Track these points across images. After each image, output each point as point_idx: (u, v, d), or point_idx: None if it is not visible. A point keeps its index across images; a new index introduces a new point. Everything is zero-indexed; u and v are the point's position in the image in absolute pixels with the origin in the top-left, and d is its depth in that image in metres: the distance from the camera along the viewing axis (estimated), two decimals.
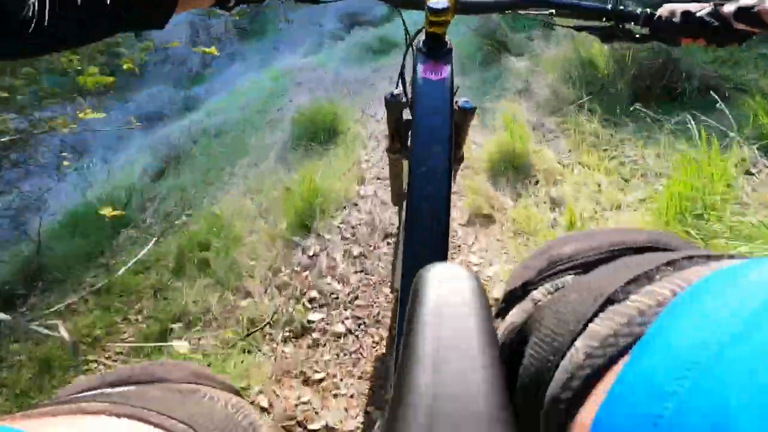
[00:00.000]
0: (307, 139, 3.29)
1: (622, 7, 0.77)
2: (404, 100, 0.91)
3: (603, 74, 2.82)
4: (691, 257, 0.27)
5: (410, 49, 0.86)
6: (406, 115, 0.91)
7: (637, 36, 0.78)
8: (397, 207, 1.72)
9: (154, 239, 2.95)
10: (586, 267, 0.34)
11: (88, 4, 0.43)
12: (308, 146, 3.25)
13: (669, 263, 0.27)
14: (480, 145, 2.70)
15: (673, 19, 0.72)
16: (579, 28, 0.81)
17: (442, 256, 0.61)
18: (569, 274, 0.34)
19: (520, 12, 0.81)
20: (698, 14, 0.69)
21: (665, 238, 0.35)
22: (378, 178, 2.69)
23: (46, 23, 0.39)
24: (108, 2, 0.43)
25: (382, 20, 8.66)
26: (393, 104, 0.93)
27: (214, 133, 4.64)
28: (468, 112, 0.92)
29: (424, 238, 0.62)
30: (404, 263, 0.62)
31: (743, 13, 0.64)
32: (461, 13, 0.79)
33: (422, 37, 0.82)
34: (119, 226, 3.48)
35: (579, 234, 0.39)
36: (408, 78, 0.89)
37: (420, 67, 0.77)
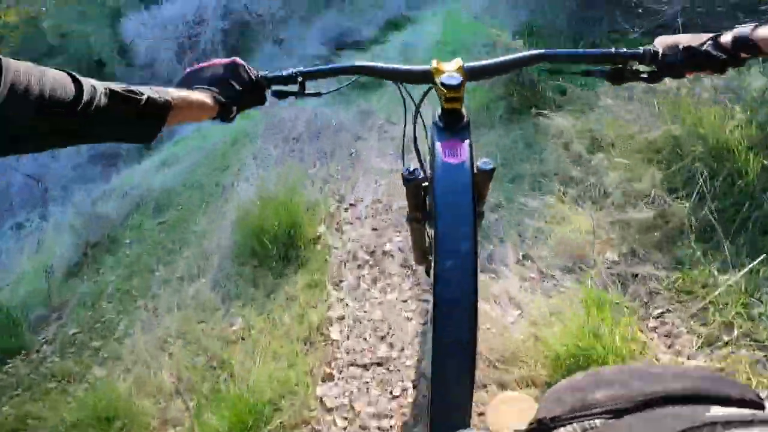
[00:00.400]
0: (252, 257, 2.20)
1: (625, 49, 0.80)
2: (422, 175, 0.92)
3: (741, 171, 1.58)
4: (729, 423, 0.27)
5: (417, 116, 0.90)
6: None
7: (644, 75, 0.81)
8: (421, 267, 1.58)
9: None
10: (618, 413, 0.35)
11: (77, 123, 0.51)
12: (254, 271, 2.16)
13: (703, 425, 0.27)
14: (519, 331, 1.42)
15: (679, 56, 0.76)
16: (587, 73, 0.83)
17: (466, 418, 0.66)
18: (600, 418, 0.36)
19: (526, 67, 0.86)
20: (703, 48, 0.73)
21: (711, 385, 0.35)
22: (360, 366, 1.54)
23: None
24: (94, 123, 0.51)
25: (370, 43, 7.60)
26: (412, 183, 0.93)
27: (154, 206, 3.55)
28: (488, 173, 0.90)
29: (450, 400, 0.66)
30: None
31: (741, 42, 0.70)
32: (471, 80, 0.79)
33: (435, 109, 0.83)
34: (5, 352, 2.51)
35: (617, 372, 0.41)
36: (419, 145, 0.94)
37: (438, 147, 0.77)
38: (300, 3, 13.05)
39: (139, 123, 0.56)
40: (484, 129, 2.73)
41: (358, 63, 0.84)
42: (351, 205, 2.50)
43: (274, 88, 0.81)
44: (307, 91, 0.82)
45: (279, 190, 2.43)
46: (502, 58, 0.82)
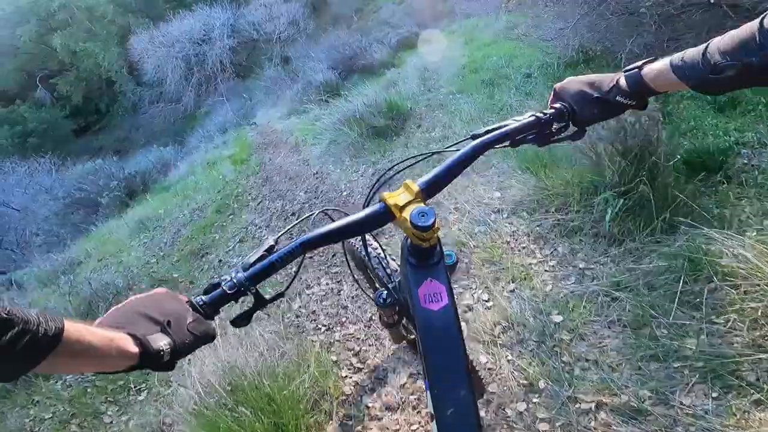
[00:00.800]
0: None
1: (541, 114, 0.82)
2: (392, 299, 0.95)
3: None
4: None
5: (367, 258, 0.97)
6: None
7: (569, 133, 0.85)
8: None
9: None
10: None
11: None
12: None
13: None
14: None
15: (594, 111, 0.81)
16: (515, 144, 0.83)
17: None
18: None
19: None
20: (611, 99, 0.78)
21: None
22: None
23: None
24: None
25: (381, 66, 7.31)
26: (387, 307, 0.95)
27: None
28: (451, 268, 0.92)
29: None
30: None
31: (637, 86, 0.74)
32: (430, 197, 0.76)
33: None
34: None
35: None
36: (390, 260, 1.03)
37: (417, 293, 0.72)
38: (306, 22, 12.94)
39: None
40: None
41: (304, 238, 0.69)
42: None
43: (228, 316, 0.68)
44: (264, 297, 0.68)
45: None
46: (448, 163, 0.77)
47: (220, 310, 0.64)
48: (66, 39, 17.09)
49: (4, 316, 0.42)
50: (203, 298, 0.63)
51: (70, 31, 17.12)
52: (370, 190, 0.88)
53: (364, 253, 0.98)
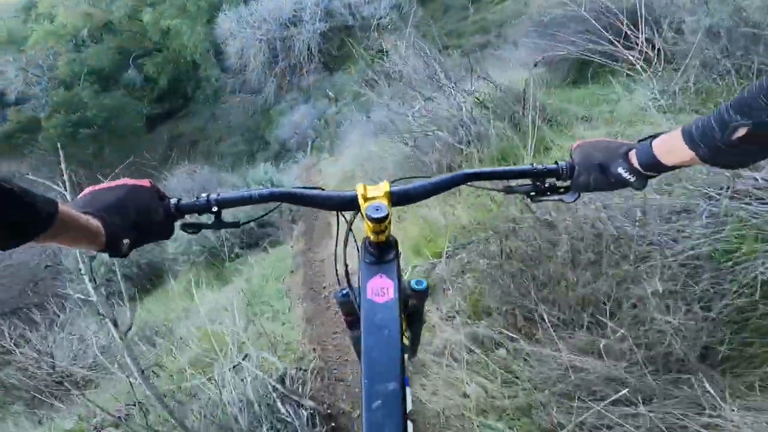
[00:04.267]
0: None
1: (542, 166, 0.81)
2: (354, 297, 0.93)
3: None
4: None
5: (346, 242, 0.88)
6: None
7: (562, 191, 0.81)
8: None
9: None
10: None
11: None
12: None
13: None
14: None
15: (591, 178, 0.75)
16: (508, 191, 0.84)
17: None
18: None
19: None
20: (614, 171, 0.72)
21: None
22: None
23: None
24: None
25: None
26: (346, 304, 0.96)
27: None
28: (422, 293, 0.94)
29: None
30: None
31: (648, 163, 0.69)
32: (398, 206, 0.79)
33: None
34: None
35: None
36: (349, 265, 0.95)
37: (366, 285, 0.75)
38: (412, 8, 10.74)
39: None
40: None
41: (277, 190, 0.80)
42: None
43: (186, 220, 0.77)
44: (222, 220, 0.77)
45: None
46: (433, 180, 0.81)
47: (186, 216, 0.74)
48: (156, 15, 16.31)
49: (12, 184, 0.46)
50: (176, 201, 0.73)
51: (162, 7, 16.33)
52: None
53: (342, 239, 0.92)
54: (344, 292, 0.95)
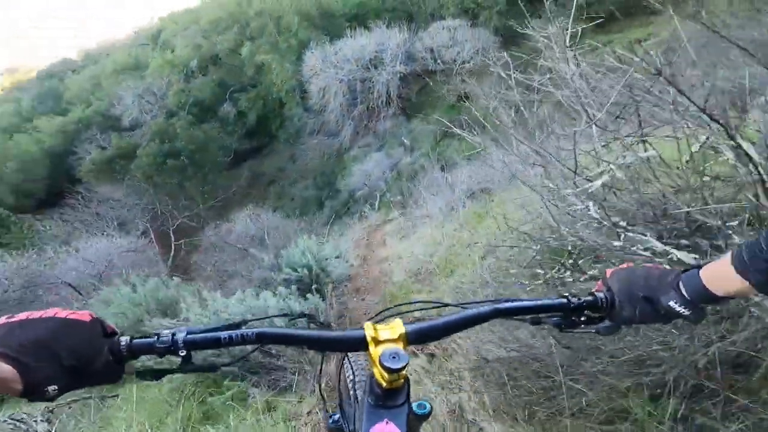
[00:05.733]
0: None
1: (575, 299, 0.75)
2: (341, 426, 0.89)
3: None
4: None
5: (320, 383, 0.94)
6: None
7: (598, 324, 0.76)
8: None
9: None
10: None
11: None
12: None
13: None
14: None
15: (637, 311, 0.69)
16: (536, 322, 0.78)
17: None
18: None
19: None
20: (665, 303, 0.66)
21: None
22: None
23: None
24: None
25: None
26: (336, 429, 0.92)
27: None
28: (424, 417, 0.82)
29: None
30: None
31: (700, 295, 0.63)
32: (414, 344, 0.72)
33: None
34: None
35: None
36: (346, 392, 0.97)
37: (369, 430, 0.67)
38: (498, 52, 9.93)
39: None
40: None
41: (268, 330, 0.66)
42: None
43: (141, 363, 0.68)
44: (193, 363, 0.64)
45: None
46: (451, 317, 0.71)
47: (139, 359, 0.62)
48: (253, 49, 17.14)
49: None
50: (128, 339, 0.61)
51: (259, 41, 17.16)
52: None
53: (345, 369, 0.92)
54: (336, 417, 0.90)
